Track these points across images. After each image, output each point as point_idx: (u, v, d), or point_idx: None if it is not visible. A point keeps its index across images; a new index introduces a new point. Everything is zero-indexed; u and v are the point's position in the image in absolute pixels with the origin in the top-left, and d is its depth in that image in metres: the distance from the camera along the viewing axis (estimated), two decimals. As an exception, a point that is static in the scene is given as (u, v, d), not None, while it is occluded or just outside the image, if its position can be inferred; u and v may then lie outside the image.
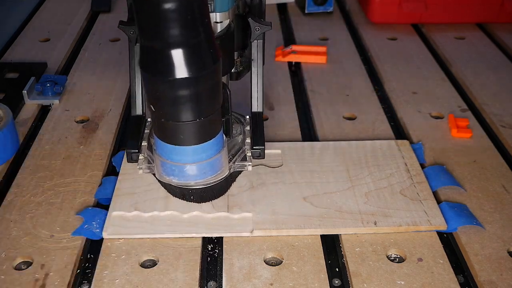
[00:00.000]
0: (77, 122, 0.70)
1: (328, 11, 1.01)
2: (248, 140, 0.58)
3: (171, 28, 0.41)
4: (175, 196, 0.56)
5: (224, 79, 0.55)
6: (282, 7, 1.06)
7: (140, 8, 0.41)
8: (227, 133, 0.56)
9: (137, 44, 0.56)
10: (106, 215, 0.54)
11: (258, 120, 0.60)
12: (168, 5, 0.40)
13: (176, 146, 0.48)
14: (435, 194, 0.59)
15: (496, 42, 0.93)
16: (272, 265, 0.50)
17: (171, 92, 0.44)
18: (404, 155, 0.63)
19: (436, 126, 0.70)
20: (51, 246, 0.51)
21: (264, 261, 0.51)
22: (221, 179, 0.54)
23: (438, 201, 0.57)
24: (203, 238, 0.53)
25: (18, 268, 0.50)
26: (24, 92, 0.73)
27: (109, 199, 0.56)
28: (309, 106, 0.74)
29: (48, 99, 0.73)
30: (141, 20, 0.42)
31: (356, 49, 0.90)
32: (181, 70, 0.43)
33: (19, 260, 0.50)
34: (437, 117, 0.72)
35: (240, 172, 0.59)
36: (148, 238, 0.52)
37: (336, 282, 0.49)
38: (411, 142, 0.67)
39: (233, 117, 0.61)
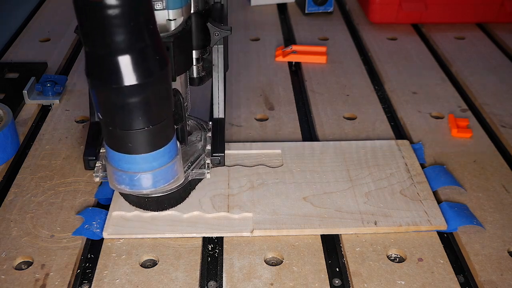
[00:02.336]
0: (77, 122, 0.70)
1: (328, 11, 1.01)
2: (208, 147, 0.56)
3: (113, 34, 0.39)
4: (132, 205, 0.55)
5: (181, 80, 0.54)
6: (282, 7, 1.06)
7: (81, 14, 0.39)
8: (182, 140, 0.54)
9: None
10: (106, 215, 0.54)
11: (219, 127, 0.58)
12: (109, 11, 0.38)
13: (125, 154, 0.47)
14: (435, 194, 0.59)
15: (496, 42, 0.93)
16: (272, 265, 0.50)
17: (117, 100, 0.42)
18: (404, 155, 0.63)
19: (436, 126, 0.70)
20: (51, 246, 0.51)
21: (264, 261, 0.51)
22: (176, 187, 0.52)
23: (438, 201, 0.57)
24: (203, 238, 0.53)
25: (18, 268, 0.50)
26: (24, 92, 0.73)
27: (109, 199, 0.56)
28: (309, 106, 0.75)
29: (48, 99, 0.73)
30: (82, 26, 0.40)
31: (356, 49, 0.90)
32: (126, 77, 0.41)
33: (19, 260, 0.50)
34: (437, 117, 0.72)
35: (200, 179, 0.57)
36: (148, 238, 0.52)
37: (337, 282, 0.49)
38: (411, 142, 0.67)
39: (194, 124, 0.59)
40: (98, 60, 0.41)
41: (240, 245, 0.52)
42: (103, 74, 0.41)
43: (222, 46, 0.58)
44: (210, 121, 0.61)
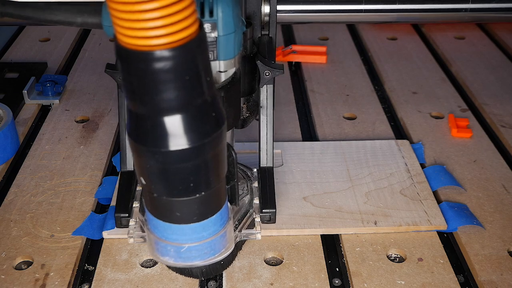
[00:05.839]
0: (77, 122, 0.70)
1: (328, 11, 1.01)
2: (256, 201, 0.51)
3: (163, 91, 0.33)
4: (173, 271, 0.49)
5: (228, 134, 0.47)
6: (282, 7, 1.06)
7: (126, 68, 0.33)
8: (233, 201, 0.47)
9: None
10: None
11: (268, 177, 0.52)
12: (159, 65, 0.32)
13: (172, 224, 0.40)
14: (435, 194, 0.59)
15: (496, 42, 0.93)
16: (272, 265, 0.50)
17: (165, 166, 0.36)
18: (404, 155, 0.63)
19: (436, 126, 0.70)
20: (51, 246, 0.51)
21: (264, 261, 0.51)
22: (225, 255, 0.44)
23: (438, 201, 0.57)
24: (203, 238, 0.53)
25: (18, 268, 0.50)
26: (24, 92, 0.73)
27: (109, 199, 0.56)
28: (309, 106, 0.75)
29: (48, 99, 0.73)
30: (127, 82, 0.34)
31: (356, 49, 0.90)
32: (177, 140, 0.35)
33: (19, 260, 0.50)
34: (437, 117, 0.72)
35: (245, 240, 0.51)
36: (148, 238, 0.52)
37: (336, 282, 0.49)
38: (411, 142, 0.67)
39: (238, 172, 0.53)
40: (143, 120, 0.35)
41: (240, 245, 0.52)
42: (150, 137, 0.35)
43: (272, 86, 0.52)
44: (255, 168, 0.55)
